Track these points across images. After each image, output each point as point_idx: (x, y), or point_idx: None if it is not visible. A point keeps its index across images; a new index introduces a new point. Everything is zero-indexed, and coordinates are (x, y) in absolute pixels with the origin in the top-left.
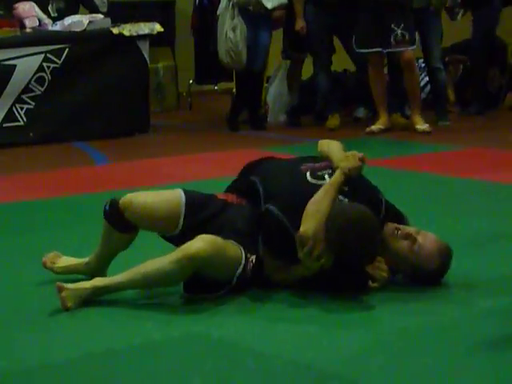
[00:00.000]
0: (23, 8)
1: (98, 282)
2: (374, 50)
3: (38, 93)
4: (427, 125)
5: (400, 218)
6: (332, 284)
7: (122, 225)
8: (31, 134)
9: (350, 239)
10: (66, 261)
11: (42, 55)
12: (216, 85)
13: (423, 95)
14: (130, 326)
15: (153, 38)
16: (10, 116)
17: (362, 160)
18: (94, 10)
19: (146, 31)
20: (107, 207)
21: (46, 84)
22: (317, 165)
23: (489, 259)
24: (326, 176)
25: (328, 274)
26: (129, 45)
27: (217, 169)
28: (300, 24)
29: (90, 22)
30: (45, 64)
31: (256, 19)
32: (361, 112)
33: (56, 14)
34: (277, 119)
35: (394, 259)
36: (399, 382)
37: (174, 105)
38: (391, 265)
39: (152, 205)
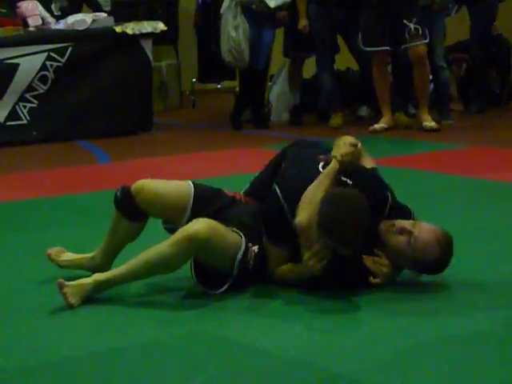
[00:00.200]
0: (26, 7)
1: (99, 276)
2: (382, 48)
3: (41, 91)
4: (434, 122)
5: (406, 215)
6: (332, 281)
7: (131, 212)
8: (34, 133)
9: (335, 216)
10: (70, 255)
11: (45, 54)
12: (219, 83)
13: None
14: (132, 325)
15: (156, 37)
16: (13, 114)
17: (354, 145)
18: (97, 8)
19: (149, 30)
20: (118, 193)
21: (49, 83)
22: (330, 156)
23: (490, 258)
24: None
25: (327, 269)
26: (132, 43)
27: (220, 167)
28: (303, 23)
29: (93, 20)
30: (48, 63)
31: (259, 18)
32: (364, 111)
33: (59, 13)
34: (280, 118)
35: (393, 255)
36: (402, 381)
37: (177, 103)
38: (392, 259)
39: (163, 192)
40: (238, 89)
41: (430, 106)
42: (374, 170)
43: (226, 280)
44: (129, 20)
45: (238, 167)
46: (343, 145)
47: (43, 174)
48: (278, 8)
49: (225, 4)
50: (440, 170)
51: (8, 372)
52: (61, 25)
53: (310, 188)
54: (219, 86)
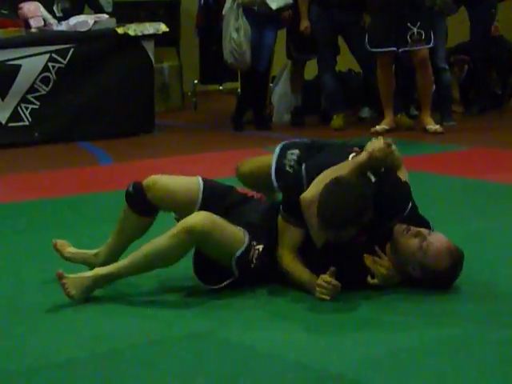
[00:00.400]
0: (28, 8)
1: (99, 270)
2: (388, 49)
3: (43, 93)
4: (438, 125)
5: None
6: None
7: (143, 206)
8: (36, 134)
9: (327, 198)
10: (74, 249)
11: (47, 55)
12: (221, 85)
13: None
14: (132, 326)
15: (158, 38)
16: (15, 116)
17: (388, 145)
18: (99, 9)
19: (151, 31)
20: (130, 188)
21: (51, 84)
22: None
23: (491, 259)
24: None
25: (325, 262)
26: (134, 45)
27: (221, 168)
28: (304, 24)
29: (95, 21)
30: (50, 64)
31: (261, 19)
32: (366, 112)
33: (61, 14)
34: (281, 119)
35: (402, 257)
36: (401, 381)
37: (179, 105)
38: (399, 263)
39: (173, 188)
40: (239, 90)
41: (431, 108)
42: (405, 183)
43: (227, 278)
44: (131, 21)
45: None
46: (378, 141)
47: (45, 175)
48: (280, 9)
49: (227, 5)
50: (442, 171)
51: (10, 373)
52: (63, 26)
53: (329, 169)
54: (221, 88)
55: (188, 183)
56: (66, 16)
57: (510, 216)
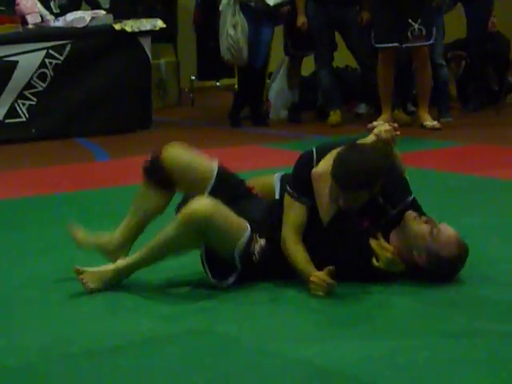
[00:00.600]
0: (25, 4)
1: (119, 263)
2: (391, 44)
3: (40, 89)
4: (436, 121)
5: None
6: (334, 258)
7: (160, 177)
8: (33, 130)
9: (347, 156)
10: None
11: (44, 51)
12: (218, 81)
13: None
14: (131, 322)
15: (155, 34)
16: (12, 112)
17: (394, 128)
18: (96, 6)
19: (148, 27)
20: (148, 161)
21: (48, 80)
22: None
23: (488, 254)
24: None
25: (329, 242)
26: (131, 41)
27: None
28: (301, 20)
29: (92, 18)
30: (47, 60)
31: (258, 16)
32: (362, 108)
33: (58, 10)
34: (278, 115)
35: (411, 240)
36: (402, 378)
37: (176, 101)
38: (405, 249)
39: (190, 159)
40: (236, 86)
41: (428, 104)
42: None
43: (231, 272)
44: (128, 17)
45: (236, 165)
46: (383, 125)
47: (42, 171)
48: (277, 5)
49: (223, 1)
50: (439, 167)
51: (10, 369)
52: (60, 22)
53: (339, 148)
54: (218, 84)
55: (205, 162)
56: (62, 12)
57: (507, 212)
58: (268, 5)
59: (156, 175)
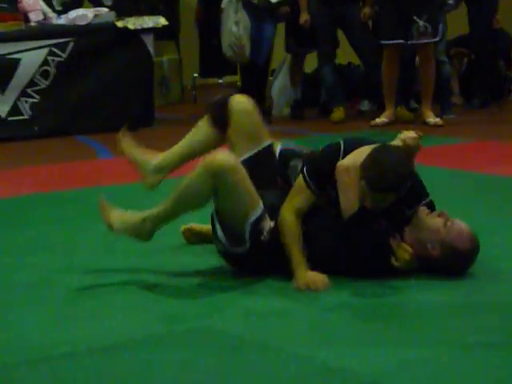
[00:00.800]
0: (28, 2)
1: (146, 213)
2: (396, 41)
3: (43, 86)
4: (439, 118)
5: None
6: (353, 253)
7: (221, 119)
8: (36, 128)
9: (380, 156)
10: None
11: (47, 49)
12: (220, 78)
13: None
14: (132, 320)
15: (157, 32)
16: (14, 110)
17: (419, 136)
18: (98, 3)
19: (151, 24)
20: (216, 100)
21: (51, 78)
22: None
23: (493, 251)
24: None
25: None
26: (133, 38)
27: None
28: (304, 17)
29: (94, 15)
30: (49, 58)
31: (260, 12)
32: (365, 105)
33: (61, 8)
34: (281, 112)
35: (425, 233)
36: (402, 376)
37: (179, 98)
38: (419, 244)
39: (256, 119)
40: (239, 83)
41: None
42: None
43: (240, 244)
44: (130, 15)
45: None
46: (410, 132)
47: (44, 169)
48: (279, 2)
49: None
50: (442, 164)
51: (8, 368)
52: (62, 20)
53: (367, 146)
54: (221, 81)
55: (266, 130)
56: (65, 9)
57: (510, 208)
58: (270, 2)
59: (218, 116)
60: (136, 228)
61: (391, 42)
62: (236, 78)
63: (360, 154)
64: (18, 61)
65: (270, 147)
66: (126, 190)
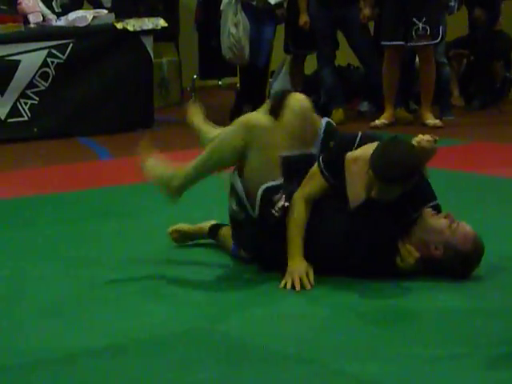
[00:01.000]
0: (27, 3)
1: (176, 168)
2: (396, 43)
3: (42, 88)
4: (438, 120)
5: None
6: (359, 252)
7: (278, 107)
8: (35, 130)
9: (389, 149)
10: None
11: (46, 50)
12: (220, 80)
13: None
14: (133, 321)
15: (157, 33)
16: (14, 111)
17: (434, 139)
18: (97, 5)
19: (150, 26)
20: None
21: (50, 79)
22: None
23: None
24: None
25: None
26: (133, 40)
27: None
28: (304, 19)
29: (94, 17)
30: (49, 59)
31: (259, 14)
32: (365, 106)
33: (60, 10)
34: None
35: (429, 234)
36: (401, 376)
37: (178, 100)
38: (422, 245)
39: (299, 125)
40: (238, 85)
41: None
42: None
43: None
44: (129, 17)
45: None
46: (425, 135)
47: (44, 170)
48: (279, 4)
49: (225, 0)
50: (441, 165)
51: (9, 370)
52: (62, 21)
53: (380, 143)
54: (220, 83)
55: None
56: (64, 11)
57: (510, 210)
58: (269, 3)
59: (277, 106)
60: (164, 183)
61: (391, 43)
62: (235, 80)
63: (370, 147)
64: (17, 62)
65: (313, 157)
66: (126, 192)
